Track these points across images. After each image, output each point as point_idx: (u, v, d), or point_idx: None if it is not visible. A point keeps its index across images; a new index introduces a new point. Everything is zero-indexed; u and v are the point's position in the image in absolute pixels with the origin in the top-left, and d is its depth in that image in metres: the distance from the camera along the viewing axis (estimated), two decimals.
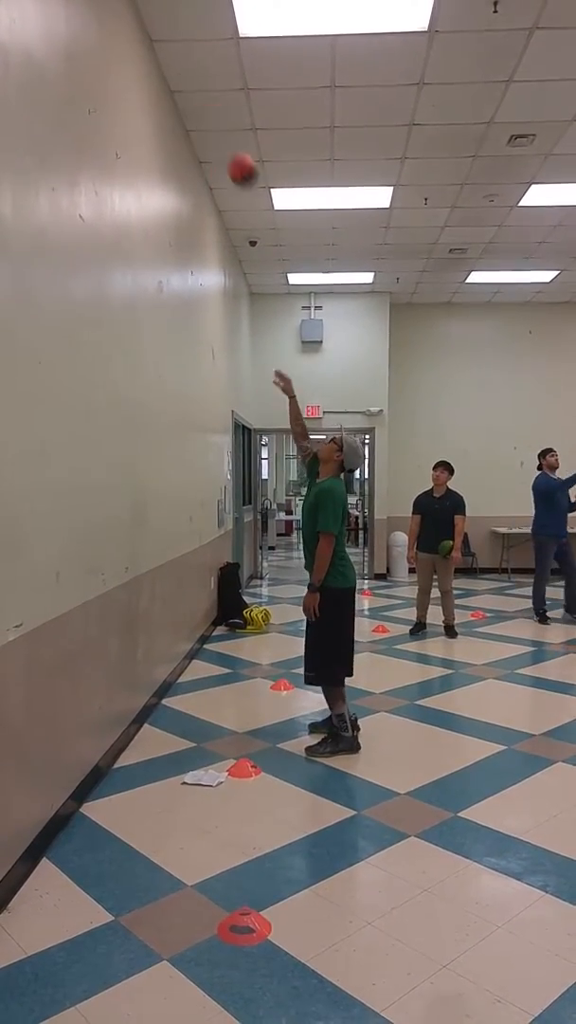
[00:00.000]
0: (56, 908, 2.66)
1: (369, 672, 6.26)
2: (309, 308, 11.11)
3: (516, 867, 2.97)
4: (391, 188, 7.16)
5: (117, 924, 2.57)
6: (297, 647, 6.76)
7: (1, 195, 2.53)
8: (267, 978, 2.29)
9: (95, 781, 3.68)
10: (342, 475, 4.35)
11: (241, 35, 4.67)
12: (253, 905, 2.65)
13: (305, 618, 4.30)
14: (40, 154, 2.91)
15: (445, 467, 7.43)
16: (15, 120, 2.66)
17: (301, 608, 4.31)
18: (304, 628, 4.42)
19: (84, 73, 3.44)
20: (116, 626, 4.04)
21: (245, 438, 10.22)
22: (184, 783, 3.76)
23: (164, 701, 5.12)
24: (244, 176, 4.24)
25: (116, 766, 3.97)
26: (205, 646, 6.84)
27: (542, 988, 2.26)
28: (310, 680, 4.36)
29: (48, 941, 2.46)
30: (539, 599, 7.98)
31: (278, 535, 16.97)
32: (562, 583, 8.22)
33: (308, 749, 4.22)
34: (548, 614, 7.97)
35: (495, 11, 4.49)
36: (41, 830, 3.01)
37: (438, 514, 7.27)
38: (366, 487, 11.92)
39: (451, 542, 7.16)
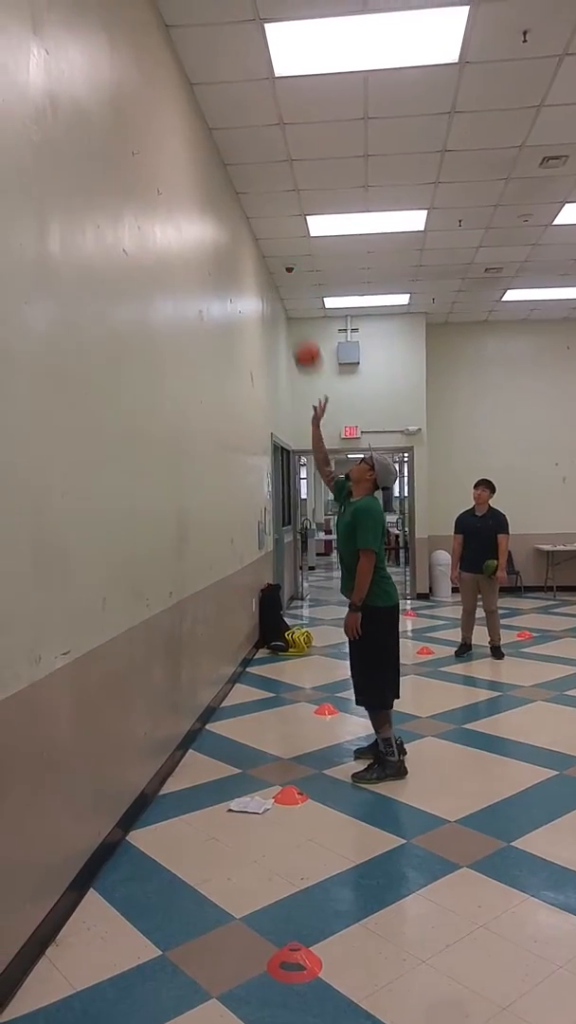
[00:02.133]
0: (104, 941, 2.66)
1: (415, 695, 6.19)
2: (345, 331, 11.16)
3: (575, 902, 2.88)
4: (425, 211, 7.19)
5: (165, 959, 2.55)
6: (340, 670, 6.74)
7: (50, 232, 2.62)
8: (319, 1018, 2.25)
9: (141, 808, 3.69)
10: (376, 493, 4.35)
11: (276, 75, 4.79)
12: (303, 940, 2.61)
13: (347, 640, 4.27)
14: (87, 193, 3.00)
15: (486, 485, 7.35)
16: (63, 162, 2.76)
17: (343, 629, 4.28)
18: (348, 650, 4.39)
19: (127, 118, 3.55)
20: (160, 651, 4.07)
21: (284, 459, 10.27)
22: (230, 810, 3.75)
23: (208, 726, 5.12)
24: (311, 362, 4.57)
25: (162, 792, 3.97)
26: (248, 669, 6.83)
27: None
28: (362, 703, 4.32)
29: (96, 976, 2.45)
30: None
31: (317, 555, 16.94)
32: None
33: (355, 775, 4.17)
34: None
35: (524, 40, 4.51)
36: (88, 859, 3.02)
37: (480, 533, 7.19)
38: (406, 506, 11.85)
39: (495, 562, 7.07)
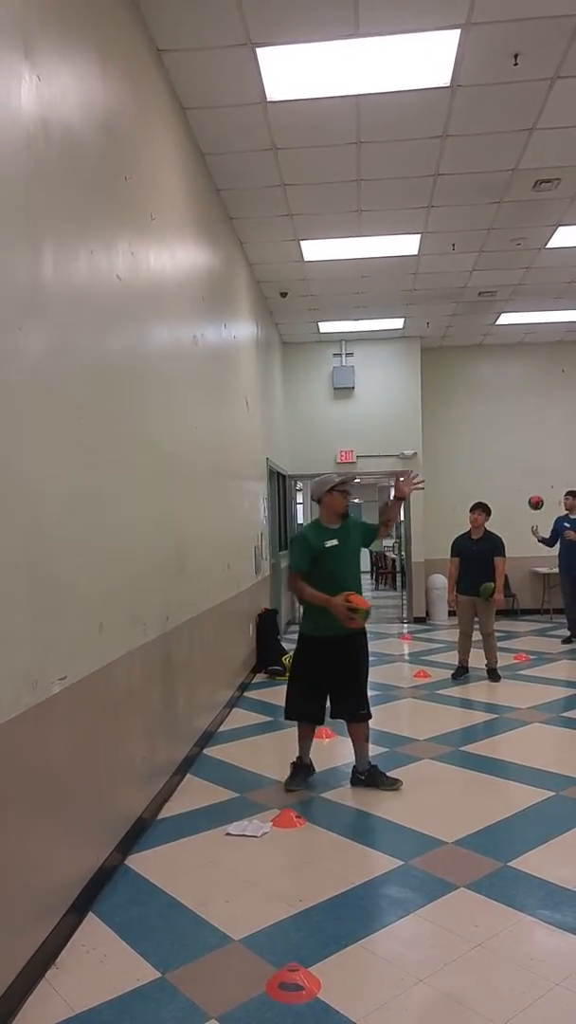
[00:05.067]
0: (103, 964, 2.63)
1: (412, 718, 6.18)
2: (340, 355, 11.27)
3: (572, 921, 2.85)
4: (418, 236, 7.30)
5: (164, 981, 2.52)
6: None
7: (43, 259, 2.66)
8: None
9: (139, 832, 3.66)
10: (340, 517, 4.42)
11: (269, 99, 4.87)
12: (301, 961, 2.59)
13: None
14: (80, 220, 3.05)
15: (483, 509, 7.39)
16: (56, 189, 2.81)
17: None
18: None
19: (120, 143, 3.61)
20: (158, 675, 4.06)
21: (280, 484, 10.30)
22: (228, 834, 3.72)
23: (206, 751, 5.09)
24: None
25: (160, 817, 3.94)
26: (245, 694, 6.80)
27: None
28: (365, 716, 4.40)
29: (96, 999, 2.43)
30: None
31: None
32: None
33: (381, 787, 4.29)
34: None
35: (515, 64, 4.62)
36: (87, 883, 2.99)
37: (477, 556, 7.21)
38: (402, 530, 11.88)
39: (493, 585, 7.07)
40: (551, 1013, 2.33)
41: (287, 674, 7.17)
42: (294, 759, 4.49)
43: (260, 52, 4.38)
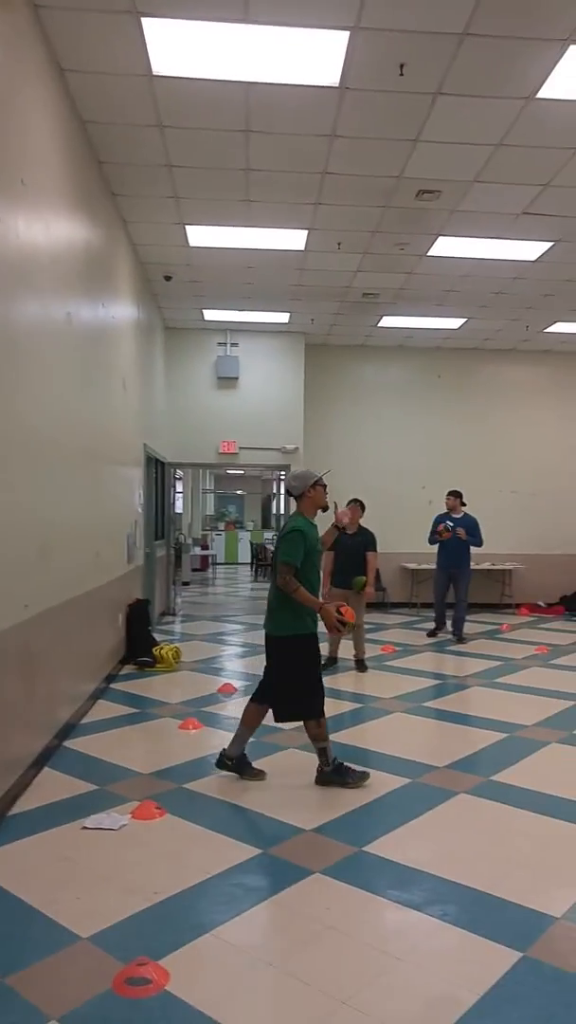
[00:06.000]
0: None
1: None
2: (225, 344, 11.21)
3: (418, 899, 2.98)
4: (306, 231, 7.35)
5: (2, 986, 2.40)
6: (208, 685, 6.72)
7: None
8: None
9: None
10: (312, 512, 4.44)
11: (155, 73, 4.73)
12: (151, 954, 2.54)
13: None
14: None
15: (358, 504, 7.57)
16: None
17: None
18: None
19: None
20: (13, 665, 3.87)
21: (158, 471, 10.13)
22: (84, 828, 3.60)
23: (66, 743, 4.91)
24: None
25: (11, 813, 3.76)
26: (112, 685, 6.63)
27: (438, 1018, 2.26)
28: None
29: None
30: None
31: (193, 570, 16.78)
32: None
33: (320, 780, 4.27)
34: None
35: (401, 74, 4.72)
36: None
37: (351, 550, 7.36)
38: (282, 523, 11.98)
39: (364, 578, 7.25)
40: (391, 986, 2.42)
41: (157, 664, 7.17)
42: (332, 759, 4.26)
43: (145, 22, 4.24)
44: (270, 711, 4.34)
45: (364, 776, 4.26)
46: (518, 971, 2.51)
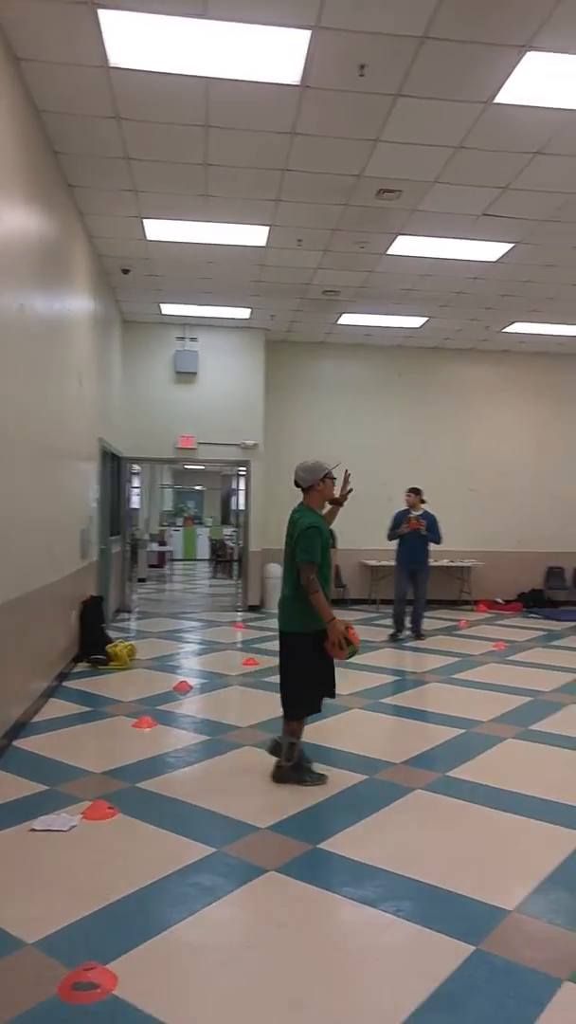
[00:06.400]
0: None
1: (237, 705, 6.21)
2: (184, 339, 11.11)
3: (372, 895, 2.98)
4: (266, 228, 7.31)
5: None
6: (163, 683, 6.64)
7: None
8: None
9: None
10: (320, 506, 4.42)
11: (111, 64, 4.66)
12: (99, 958, 2.50)
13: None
14: None
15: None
16: None
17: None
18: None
19: None
20: None
21: (114, 466, 9.99)
22: (32, 830, 3.53)
23: (16, 743, 4.81)
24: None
25: None
26: (64, 684, 6.52)
27: (391, 1012, 2.26)
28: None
29: None
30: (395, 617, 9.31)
31: (150, 567, 16.62)
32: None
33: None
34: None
35: (361, 74, 4.73)
36: None
37: None
38: (241, 519, 11.94)
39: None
40: (346, 983, 2.42)
41: (112, 662, 7.06)
42: (296, 757, 4.24)
43: (102, 13, 4.18)
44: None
45: (322, 779, 4.24)
46: (471, 964, 2.54)
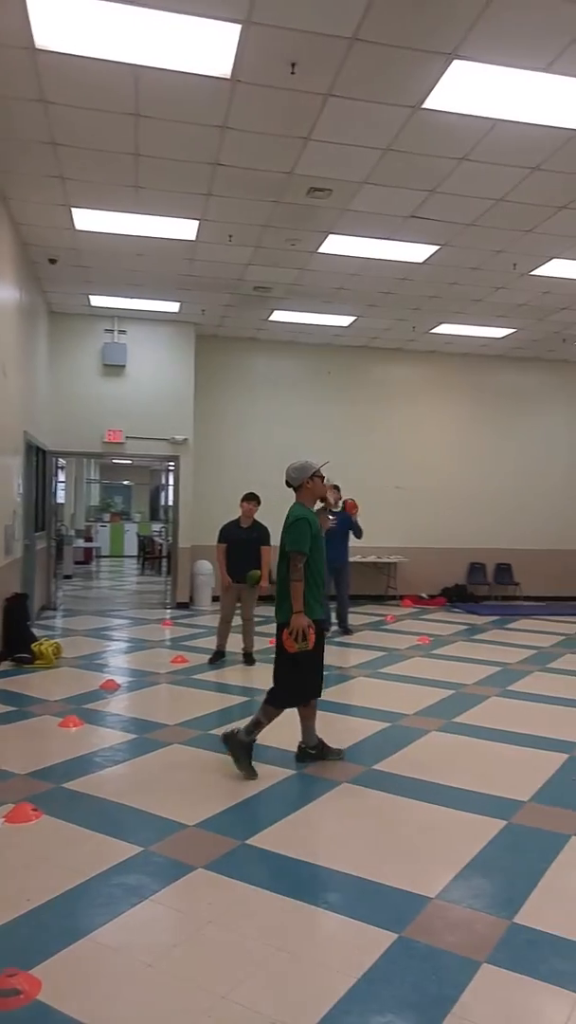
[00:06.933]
0: None
1: (166, 704, 6.17)
2: (112, 331, 10.92)
3: (299, 889, 3.02)
4: (197, 222, 7.26)
5: None
6: (90, 681, 6.53)
7: None
8: None
9: None
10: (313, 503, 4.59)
11: (37, 46, 4.54)
12: (22, 964, 2.45)
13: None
14: None
15: (255, 499, 7.53)
16: None
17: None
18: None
19: None
20: None
21: (39, 460, 9.74)
22: None
23: None
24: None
25: None
26: None
27: (315, 1004, 2.30)
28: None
29: None
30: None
31: (76, 563, 16.30)
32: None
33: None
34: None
35: (293, 72, 4.74)
36: None
37: (245, 544, 7.33)
38: (170, 515, 11.83)
39: (259, 572, 7.25)
40: (272, 977, 2.45)
41: (36, 661, 6.90)
42: (252, 738, 4.36)
43: None
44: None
45: (253, 774, 4.29)
46: (393, 951, 2.60)
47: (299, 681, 4.43)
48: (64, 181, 6.41)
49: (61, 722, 5.24)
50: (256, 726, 4.36)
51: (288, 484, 4.62)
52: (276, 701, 4.43)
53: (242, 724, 4.49)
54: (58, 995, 2.32)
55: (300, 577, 4.24)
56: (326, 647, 4.67)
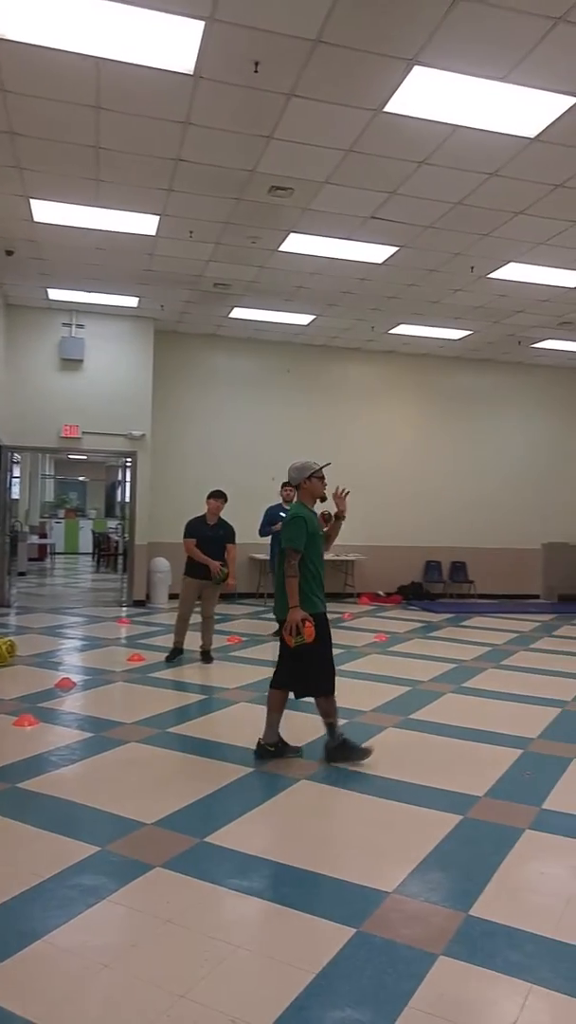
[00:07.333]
0: None
1: (122, 702, 6.12)
2: (70, 325, 10.77)
3: (257, 885, 3.04)
4: (157, 217, 7.21)
5: None
6: (46, 679, 6.44)
7: None
8: None
9: None
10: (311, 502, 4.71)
11: None
12: None
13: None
14: None
15: (222, 497, 7.47)
16: None
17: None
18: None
19: None
20: None
21: None
22: None
23: None
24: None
25: None
26: None
27: (274, 1000, 2.32)
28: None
29: None
30: None
31: (30, 560, 16.03)
32: None
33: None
34: None
35: (256, 71, 4.75)
36: None
37: (211, 542, 7.28)
38: (127, 511, 11.72)
39: (227, 570, 7.22)
40: (230, 975, 2.45)
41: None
42: (339, 735, 4.51)
43: None
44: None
45: (366, 753, 4.49)
46: (352, 946, 2.63)
47: (303, 673, 4.50)
48: (22, 171, 6.30)
49: (16, 721, 5.16)
50: (331, 728, 4.53)
51: (290, 484, 4.81)
52: (323, 690, 4.53)
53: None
54: (12, 999, 2.29)
55: (295, 573, 4.34)
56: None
